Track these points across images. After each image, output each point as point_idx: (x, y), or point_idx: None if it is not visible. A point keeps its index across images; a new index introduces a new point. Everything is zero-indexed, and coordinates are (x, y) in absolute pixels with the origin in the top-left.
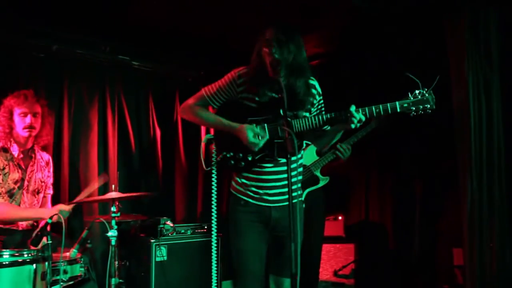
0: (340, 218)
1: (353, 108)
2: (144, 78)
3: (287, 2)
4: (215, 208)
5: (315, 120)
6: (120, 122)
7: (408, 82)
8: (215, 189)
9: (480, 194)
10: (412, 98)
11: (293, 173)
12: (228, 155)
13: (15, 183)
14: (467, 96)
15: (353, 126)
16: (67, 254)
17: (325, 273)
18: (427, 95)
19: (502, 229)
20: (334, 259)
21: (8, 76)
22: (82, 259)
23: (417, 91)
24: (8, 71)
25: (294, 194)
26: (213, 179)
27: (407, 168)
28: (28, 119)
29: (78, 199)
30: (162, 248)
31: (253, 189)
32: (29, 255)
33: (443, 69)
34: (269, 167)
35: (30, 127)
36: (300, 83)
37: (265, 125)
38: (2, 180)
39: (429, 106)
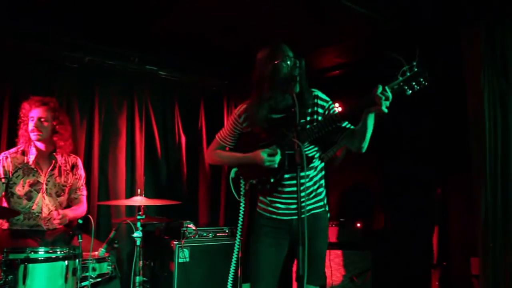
0: (358, 225)
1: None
2: (170, 86)
3: (308, 15)
4: (240, 231)
5: (328, 120)
6: (147, 129)
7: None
8: (242, 217)
9: (494, 204)
10: (401, 78)
11: (311, 183)
12: (254, 182)
13: (31, 186)
14: (482, 108)
15: (383, 106)
16: (96, 253)
17: (343, 279)
18: (415, 69)
19: None
20: (351, 265)
21: (44, 85)
22: (109, 258)
23: (404, 68)
24: (43, 81)
25: (319, 204)
26: (241, 207)
27: (425, 177)
28: (33, 124)
29: None
30: (185, 250)
31: (277, 205)
32: (62, 252)
33: (460, 79)
34: (289, 185)
35: (37, 130)
36: (307, 95)
37: (274, 146)
38: (10, 183)
39: (422, 79)
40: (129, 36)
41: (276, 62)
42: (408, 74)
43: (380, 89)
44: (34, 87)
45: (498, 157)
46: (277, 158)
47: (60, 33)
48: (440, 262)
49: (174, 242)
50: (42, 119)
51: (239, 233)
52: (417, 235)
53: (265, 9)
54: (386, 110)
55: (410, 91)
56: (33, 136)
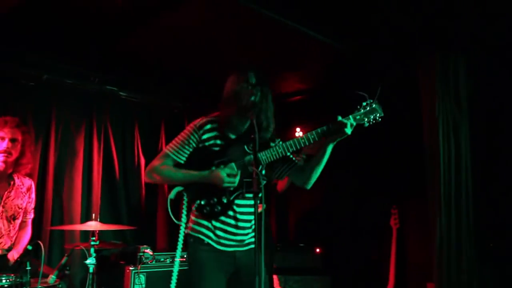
0: (317, 250)
1: (340, 118)
2: (130, 108)
3: (269, 41)
4: (178, 260)
5: (293, 143)
6: (106, 150)
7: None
8: (181, 241)
9: (448, 231)
10: (362, 110)
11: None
12: (202, 203)
13: None
14: (437, 137)
15: (348, 131)
16: (46, 280)
17: None
18: (374, 105)
19: (470, 264)
20: None
21: None
22: (60, 286)
23: (364, 103)
24: None
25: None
26: (181, 231)
27: (383, 202)
28: (4, 144)
29: None
30: (141, 276)
31: (220, 233)
32: (8, 280)
33: (417, 107)
34: (238, 212)
35: (6, 151)
36: (268, 121)
37: (233, 164)
38: None
39: (378, 114)
40: (89, 55)
41: (240, 87)
42: (368, 108)
43: (340, 118)
44: None
45: (452, 186)
46: (237, 179)
47: (17, 50)
48: (398, 287)
49: (130, 268)
50: (15, 141)
51: (178, 259)
52: (375, 259)
53: (227, 34)
54: (348, 133)
55: (368, 124)
56: (0, 157)
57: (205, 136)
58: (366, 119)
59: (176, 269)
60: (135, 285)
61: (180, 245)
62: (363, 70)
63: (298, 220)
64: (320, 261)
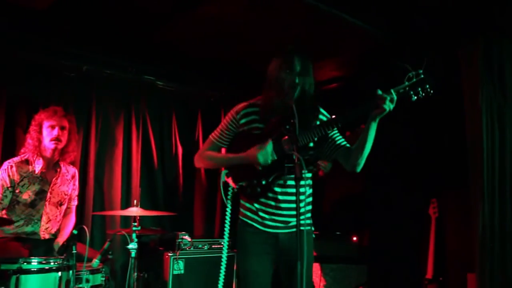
0: (354, 238)
1: (379, 91)
2: (168, 97)
3: (306, 29)
4: (227, 237)
5: (324, 125)
6: (144, 139)
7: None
8: (228, 221)
9: (491, 220)
10: (407, 82)
11: (301, 197)
12: (244, 185)
13: (36, 194)
14: (480, 124)
15: (387, 107)
16: (90, 264)
17: None
18: (422, 75)
19: None
20: (346, 279)
21: (41, 93)
22: (103, 269)
23: (410, 73)
24: (40, 89)
25: (306, 221)
26: (227, 212)
27: (422, 190)
28: (55, 132)
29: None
30: (180, 261)
31: (263, 214)
32: (55, 263)
33: (458, 96)
34: (279, 192)
35: (57, 139)
36: (310, 107)
37: (270, 142)
38: (18, 193)
39: (428, 86)
40: (127, 46)
41: (281, 71)
42: (415, 80)
43: (380, 92)
44: (31, 95)
45: (495, 174)
46: (269, 151)
47: (58, 43)
48: (437, 277)
49: (169, 254)
50: (64, 129)
51: (226, 241)
52: (413, 249)
53: (263, 22)
54: (387, 109)
55: (416, 97)
56: (51, 144)
57: (243, 121)
58: (412, 92)
59: (225, 252)
60: (174, 271)
61: (227, 226)
62: (402, 57)
63: (334, 207)
64: (357, 249)
